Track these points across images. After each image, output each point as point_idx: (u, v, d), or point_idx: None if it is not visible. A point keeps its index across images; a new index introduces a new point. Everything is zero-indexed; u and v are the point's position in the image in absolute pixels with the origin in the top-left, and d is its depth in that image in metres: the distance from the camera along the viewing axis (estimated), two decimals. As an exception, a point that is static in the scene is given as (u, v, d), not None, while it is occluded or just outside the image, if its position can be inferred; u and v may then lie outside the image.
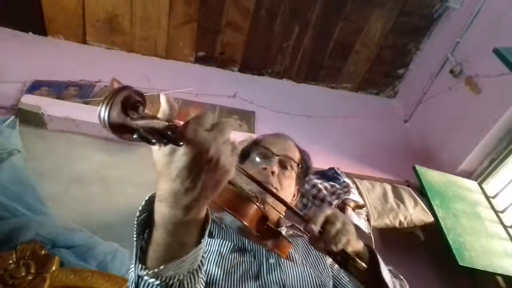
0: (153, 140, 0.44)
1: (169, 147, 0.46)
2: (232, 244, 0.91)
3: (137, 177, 1.97)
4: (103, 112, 0.41)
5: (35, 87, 2.28)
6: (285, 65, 2.99)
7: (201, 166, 0.47)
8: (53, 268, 1.09)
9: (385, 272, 0.80)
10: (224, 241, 0.91)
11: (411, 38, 2.85)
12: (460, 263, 1.61)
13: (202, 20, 2.72)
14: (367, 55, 2.94)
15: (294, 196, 1.10)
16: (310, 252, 1.00)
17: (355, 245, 0.78)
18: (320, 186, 1.96)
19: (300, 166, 1.08)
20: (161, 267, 0.52)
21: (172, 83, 2.57)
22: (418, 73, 2.92)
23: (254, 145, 1.09)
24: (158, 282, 0.53)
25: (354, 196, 1.94)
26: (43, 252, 1.13)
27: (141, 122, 0.43)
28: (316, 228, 0.75)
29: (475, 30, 2.38)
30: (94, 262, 1.38)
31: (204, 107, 2.52)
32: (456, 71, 2.42)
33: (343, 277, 0.97)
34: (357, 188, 2.06)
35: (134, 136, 0.43)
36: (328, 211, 0.78)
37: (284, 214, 1.01)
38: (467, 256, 1.65)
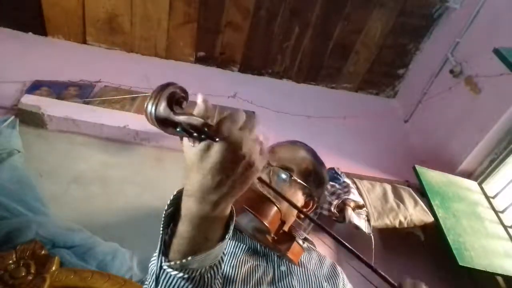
0: (195, 134, 0.46)
1: (205, 142, 0.48)
2: (246, 246, 0.90)
3: (137, 177, 1.96)
4: (150, 106, 0.43)
5: (35, 87, 2.28)
6: (285, 65, 2.99)
7: (233, 163, 0.48)
8: (53, 268, 1.09)
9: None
10: (238, 243, 0.90)
11: (411, 38, 2.85)
12: (460, 263, 1.61)
13: (202, 20, 2.72)
14: (367, 55, 2.94)
15: (304, 206, 1.03)
16: (323, 265, 1.00)
17: None
18: (320, 186, 1.96)
19: (305, 176, 1.00)
20: (189, 258, 0.52)
21: (172, 83, 2.57)
22: (418, 73, 2.91)
23: None
24: (181, 274, 0.53)
25: (354, 196, 1.94)
26: (43, 252, 1.13)
27: (182, 117, 0.45)
28: None
29: (475, 30, 2.37)
30: (94, 262, 1.38)
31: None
32: (456, 71, 2.41)
33: None
34: (357, 188, 2.06)
35: (177, 129, 0.45)
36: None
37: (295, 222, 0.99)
38: (467, 256, 1.65)
